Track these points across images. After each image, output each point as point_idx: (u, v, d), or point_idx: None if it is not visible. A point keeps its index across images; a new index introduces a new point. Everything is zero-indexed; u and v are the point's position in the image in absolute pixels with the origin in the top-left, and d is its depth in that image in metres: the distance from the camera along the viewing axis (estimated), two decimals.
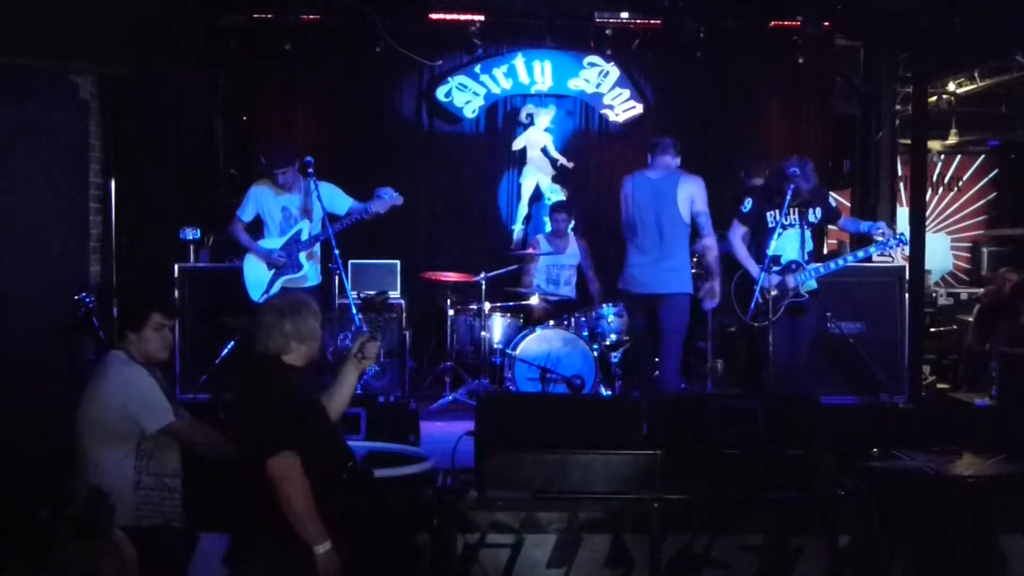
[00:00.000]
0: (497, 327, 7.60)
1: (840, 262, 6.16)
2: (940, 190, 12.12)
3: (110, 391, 3.76)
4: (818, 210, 6.14)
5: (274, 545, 3.39)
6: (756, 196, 6.19)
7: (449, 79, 9.00)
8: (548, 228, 8.38)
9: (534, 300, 7.71)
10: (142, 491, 3.73)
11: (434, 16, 8.35)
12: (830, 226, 6.26)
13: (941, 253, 11.85)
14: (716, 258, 6.11)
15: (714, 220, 7.35)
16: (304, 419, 3.52)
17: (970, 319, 8.76)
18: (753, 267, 6.04)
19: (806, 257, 6.08)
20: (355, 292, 7.31)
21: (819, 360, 6.63)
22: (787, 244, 6.04)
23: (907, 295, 7.32)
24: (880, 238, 6.20)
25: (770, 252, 5.91)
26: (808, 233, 6.09)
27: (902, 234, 6.30)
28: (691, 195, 6.04)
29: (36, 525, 1.95)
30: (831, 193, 6.79)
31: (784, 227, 5.96)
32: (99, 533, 1.98)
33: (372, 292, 7.44)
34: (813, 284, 6.11)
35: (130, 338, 3.93)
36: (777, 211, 5.98)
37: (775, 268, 6.01)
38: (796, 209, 6.02)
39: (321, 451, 3.52)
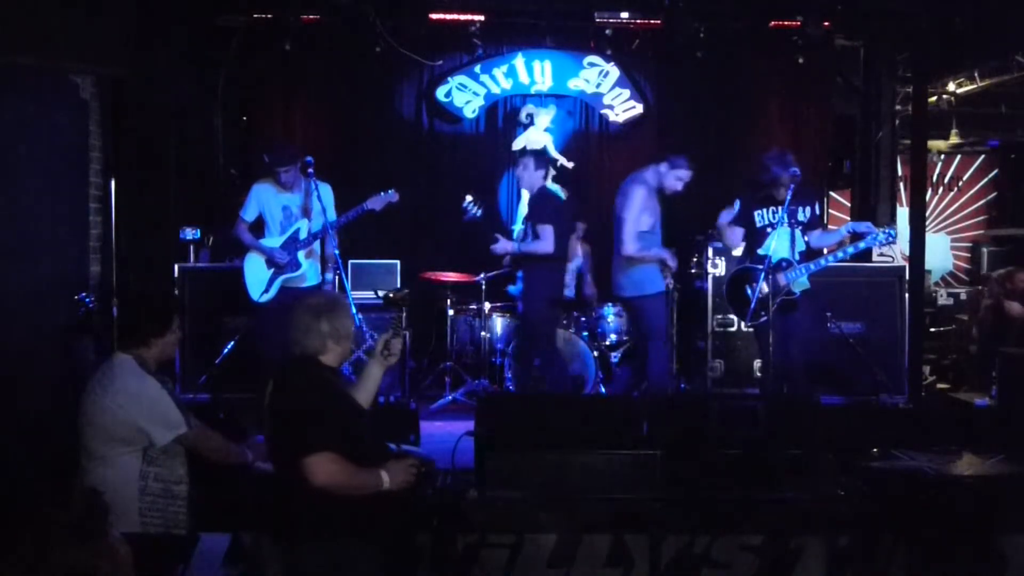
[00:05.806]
0: (497, 327, 7.60)
1: (830, 259, 6.11)
2: (940, 190, 12.10)
3: (118, 401, 3.67)
4: (807, 209, 6.14)
5: (314, 542, 3.41)
6: (744, 197, 6.23)
7: (449, 79, 8.99)
8: None
9: None
10: (148, 497, 3.69)
11: (434, 16, 8.34)
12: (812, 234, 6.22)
13: (941, 253, 11.83)
14: None
15: (711, 222, 7.37)
16: (344, 418, 3.52)
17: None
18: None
19: (797, 256, 6.07)
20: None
21: (819, 360, 6.62)
22: (777, 243, 6.05)
23: (907, 295, 7.32)
24: (867, 232, 6.17)
25: (761, 251, 5.93)
26: (798, 232, 6.08)
27: (891, 230, 6.24)
28: None
29: (32, 527, 1.94)
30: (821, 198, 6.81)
31: (773, 226, 5.99)
32: (94, 535, 1.97)
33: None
34: (805, 282, 6.09)
35: (152, 344, 3.82)
36: (765, 210, 6.10)
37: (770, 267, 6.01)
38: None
39: (361, 448, 3.52)
